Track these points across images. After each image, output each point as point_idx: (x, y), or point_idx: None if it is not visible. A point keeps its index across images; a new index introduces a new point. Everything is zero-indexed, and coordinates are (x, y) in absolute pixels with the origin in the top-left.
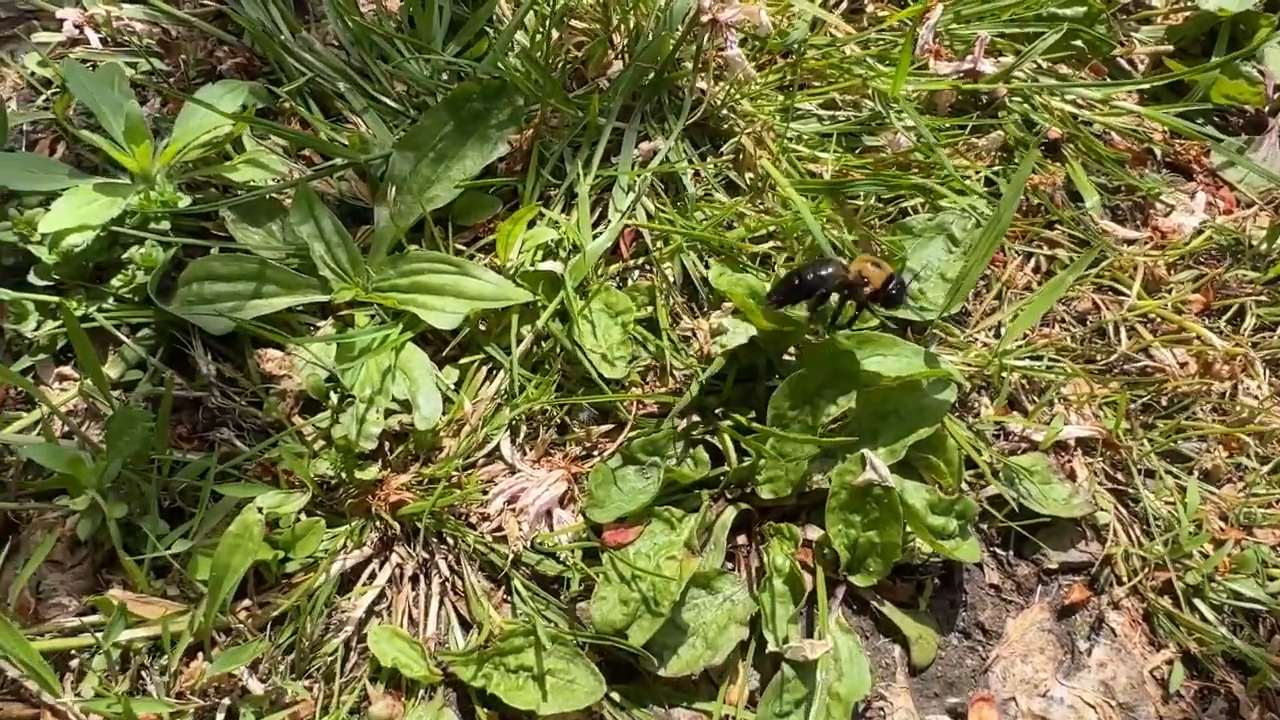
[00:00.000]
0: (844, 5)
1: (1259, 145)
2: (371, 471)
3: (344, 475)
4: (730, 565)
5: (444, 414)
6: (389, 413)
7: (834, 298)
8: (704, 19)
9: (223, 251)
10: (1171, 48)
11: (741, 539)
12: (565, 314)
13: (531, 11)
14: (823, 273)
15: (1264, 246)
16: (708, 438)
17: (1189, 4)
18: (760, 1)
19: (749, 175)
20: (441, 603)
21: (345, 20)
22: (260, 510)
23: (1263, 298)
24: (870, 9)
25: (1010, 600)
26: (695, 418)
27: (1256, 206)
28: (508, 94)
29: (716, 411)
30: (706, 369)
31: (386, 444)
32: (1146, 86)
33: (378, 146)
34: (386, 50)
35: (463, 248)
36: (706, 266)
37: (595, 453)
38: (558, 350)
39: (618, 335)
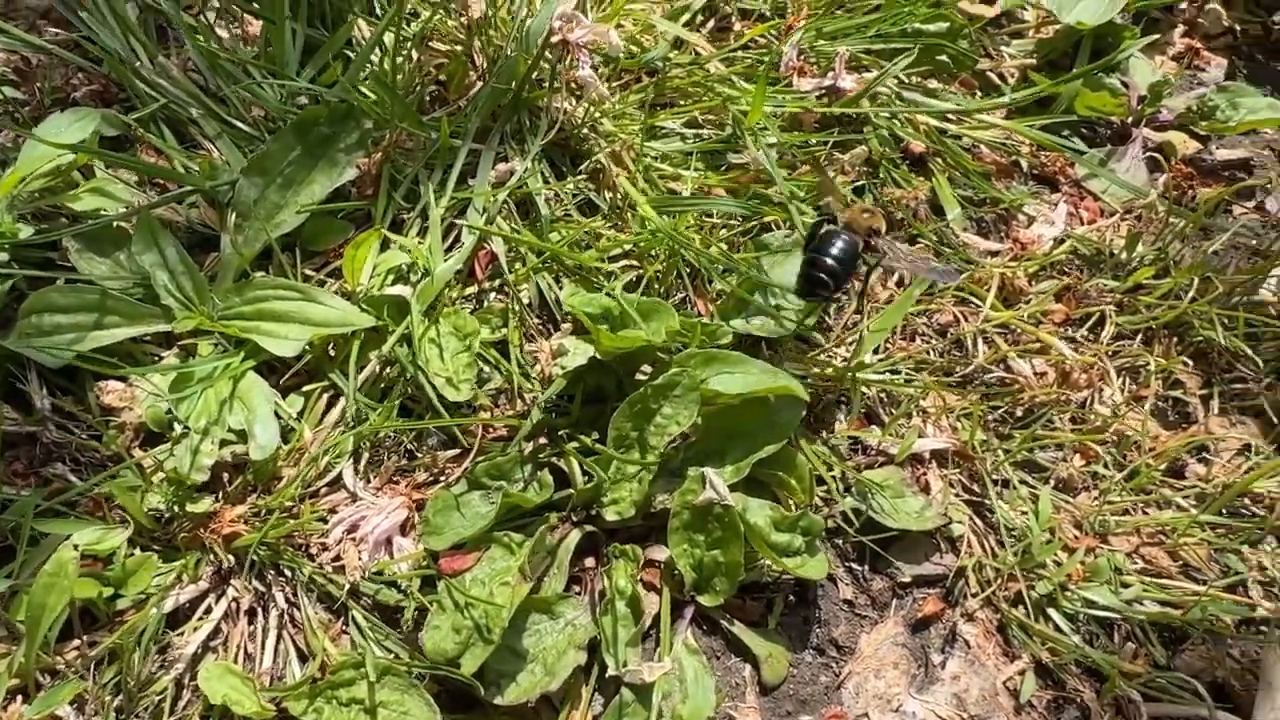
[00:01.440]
0: (710, 24)
1: (1122, 156)
2: (205, 504)
3: (176, 508)
4: (578, 589)
5: (285, 443)
6: (225, 443)
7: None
8: (555, 39)
9: (67, 283)
10: (1036, 61)
11: (590, 562)
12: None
13: (391, 34)
14: (849, 238)
15: (1124, 255)
16: (554, 460)
17: (1055, 18)
18: (613, 22)
19: (608, 195)
20: (279, 636)
21: (197, 45)
22: (76, 547)
23: (1122, 306)
24: (738, 27)
25: (864, 615)
26: (543, 440)
27: (1118, 216)
28: (355, 117)
29: (562, 434)
30: (546, 391)
31: (225, 475)
32: (1007, 100)
33: (228, 173)
34: (240, 76)
35: (312, 274)
36: (561, 288)
37: (443, 478)
38: (405, 375)
39: (465, 358)
